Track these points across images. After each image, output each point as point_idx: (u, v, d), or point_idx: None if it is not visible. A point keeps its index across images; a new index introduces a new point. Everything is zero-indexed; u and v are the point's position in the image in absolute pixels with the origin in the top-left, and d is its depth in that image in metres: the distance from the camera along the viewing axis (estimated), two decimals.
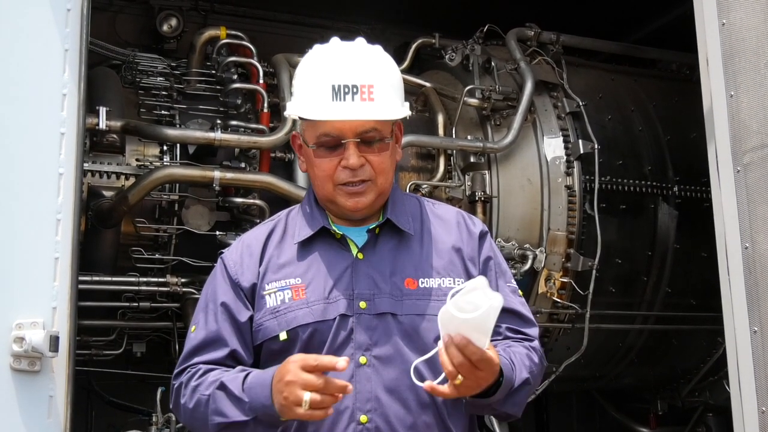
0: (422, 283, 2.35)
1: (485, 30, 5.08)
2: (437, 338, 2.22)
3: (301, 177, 4.32)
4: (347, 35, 6.13)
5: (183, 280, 4.19)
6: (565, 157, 4.70)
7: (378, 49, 2.42)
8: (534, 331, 2.43)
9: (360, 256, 2.37)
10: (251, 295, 2.38)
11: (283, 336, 2.31)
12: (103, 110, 3.99)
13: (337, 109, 2.28)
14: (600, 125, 4.88)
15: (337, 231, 2.39)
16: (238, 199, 4.22)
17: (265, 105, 4.38)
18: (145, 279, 4.16)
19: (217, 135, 4.09)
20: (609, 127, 4.97)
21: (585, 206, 4.68)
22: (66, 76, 2.82)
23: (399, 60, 5.14)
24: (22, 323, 2.65)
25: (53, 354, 2.62)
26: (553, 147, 4.72)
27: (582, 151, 4.68)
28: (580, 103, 4.82)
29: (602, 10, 5.45)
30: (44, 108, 2.78)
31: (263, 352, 2.36)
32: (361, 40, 2.42)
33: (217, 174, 4.05)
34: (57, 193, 2.76)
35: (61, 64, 2.82)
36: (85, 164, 4.08)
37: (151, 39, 5.41)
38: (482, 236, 2.48)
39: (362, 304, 2.31)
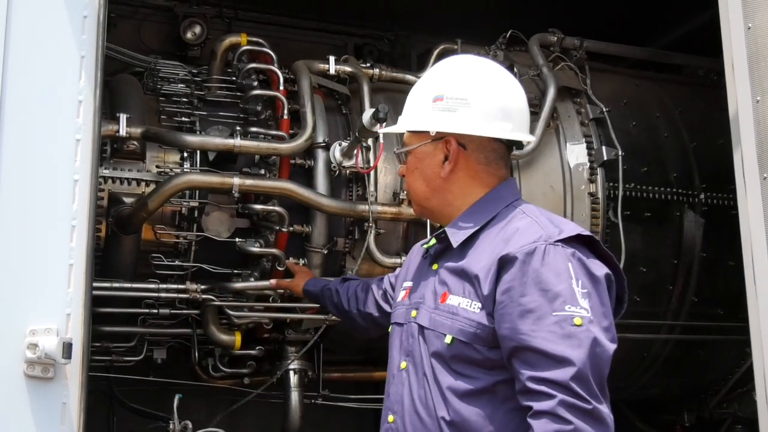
0: (450, 299, 2.38)
1: (508, 36, 5.06)
2: (434, 354, 2.36)
3: (320, 184, 4.30)
4: (371, 42, 6.23)
5: (202, 286, 4.19)
6: (588, 164, 4.66)
7: (434, 66, 2.59)
8: (560, 374, 2.14)
9: (435, 266, 2.50)
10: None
11: (390, 329, 2.65)
12: (123, 117, 4.01)
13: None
14: (624, 131, 4.83)
15: (427, 245, 2.62)
16: (258, 206, 4.21)
17: (285, 112, 4.37)
18: (164, 285, 4.16)
19: (237, 141, 4.09)
20: (633, 133, 4.90)
21: (609, 213, 4.63)
22: (82, 82, 2.81)
23: (421, 67, 5.13)
24: (36, 329, 2.64)
25: (66, 361, 2.61)
26: (576, 153, 4.68)
27: (606, 158, 4.64)
28: (604, 109, 4.77)
29: (627, 17, 5.40)
30: (60, 114, 2.78)
31: None
32: (455, 58, 2.64)
33: (236, 181, 4.04)
34: (72, 199, 2.75)
35: (78, 71, 2.81)
36: (106, 171, 4.13)
37: (176, 46, 5.45)
38: (507, 261, 2.27)
39: (413, 313, 2.48)
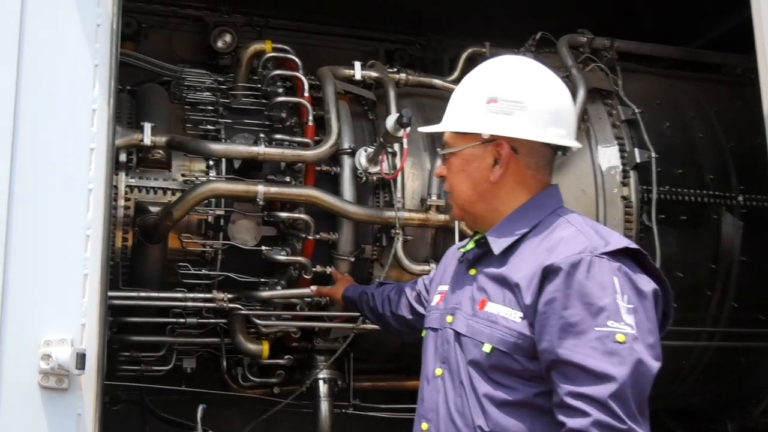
0: (489, 307, 2.31)
1: (538, 37, 4.98)
2: (471, 362, 2.29)
3: (346, 191, 4.27)
4: (402, 48, 6.18)
5: (229, 295, 4.17)
6: (620, 167, 4.57)
7: (478, 67, 2.52)
8: (599, 390, 2.07)
9: (472, 272, 2.45)
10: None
11: (423, 333, 2.63)
12: (147, 126, 4.02)
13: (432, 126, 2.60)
14: (658, 133, 4.72)
15: (464, 248, 2.57)
16: (283, 214, 4.18)
17: (310, 118, 4.34)
18: (191, 294, 4.15)
19: (261, 149, 4.07)
20: (667, 134, 4.79)
21: (643, 217, 4.53)
22: (96, 91, 2.80)
23: (449, 70, 5.07)
24: (51, 340, 2.63)
25: (80, 372, 2.59)
26: (608, 156, 4.59)
27: (638, 160, 4.54)
28: (636, 111, 4.68)
29: (664, 17, 5.29)
30: (74, 123, 2.77)
31: None
32: (507, 57, 2.58)
33: (261, 188, 4.02)
34: (86, 208, 2.73)
35: (91, 80, 2.80)
36: (132, 180, 4.14)
37: (207, 55, 5.47)
38: (552, 271, 2.20)
39: (449, 318, 2.43)
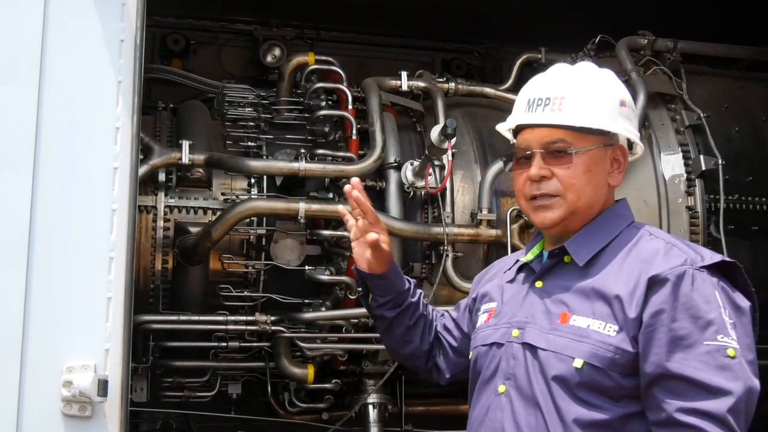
0: (574, 320, 2.25)
1: (597, 41, 4.88)
2: (556, 378, 2.21)
3: (393, 206, 4.21)
4: (459, 57, 6.12)
5: (272, 318, 4.14)
6: (685, 175, 4.47)
7: (589, 67, 2.48)
8: (716, 405, 2.04)
9: (539, 284, 2.38)
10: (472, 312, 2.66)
11: (471, 354, 2.51)
12: (185, 144, 4.03)
13: (525, 119, 2.41)
14: (725, 138, 4.59)
15: (527, 259, 2.48)
16: (326, 232, 4.16)
17: (354, 131, 4.30)
18: (233, 318, 4.13)
19: (302, 165, 4.05)
20: (736, 139, 4.65)
21: (710, 229, 4.42)
22: (119, 108, 2.79)
23: (505, 78, 4.99)
24: (73, 366, 2.61)
25: (102, 399, 2.58)
26: (672, 164, 4.48)
27: (704, 168, 4.43)
28: (702, 115, 4.56)
29: (731, 17, 5.13)
30: (96, 142, 2.76)
31: None
32: (583, 63, 2.52)
33: (302, 206, 4.00)
34: (110, 230, 2.72)
35: (115, 97, 2.79)
36: (171, 200, 4.16)
37: (257, 70, 5.50)
38: (657, 282, 2.17)
39: (515, 332, 2.34)
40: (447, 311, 2.85)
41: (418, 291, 2.79)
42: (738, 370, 2.07)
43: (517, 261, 2.53)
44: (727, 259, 2.25)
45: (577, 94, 2.36)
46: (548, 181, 2.34)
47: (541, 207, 2.36)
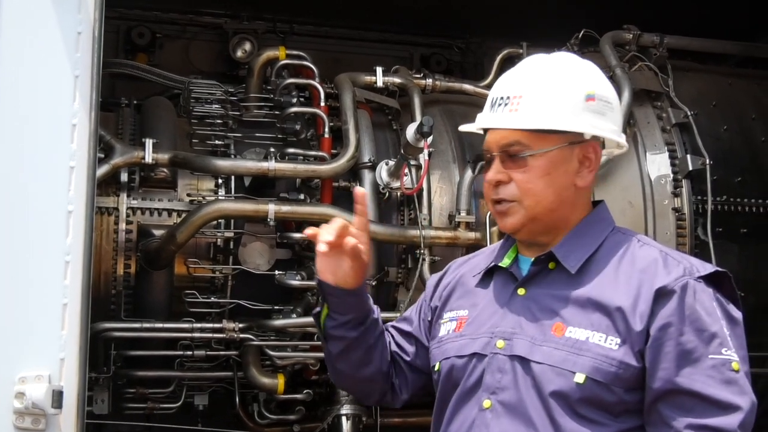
0: (570, 332, 2.21)
1: (581, 35, 4.89)
2: (554, 394, 2.17)
3: (371, 207, 4.20)
4: (439, 52, 6.11)
5: (241, 325, 4.12)
6: (671, 176, 4.49)
7: (557, 59, 2.41)
8: (727, 421, 2.07)
9: (521, 291, 2.33)
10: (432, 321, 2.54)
11: (436, 366, 2.41)
12: (149, 142, 4.00)
13: (485, 120, 2.37)
14: (713, 137, 4.62)
15: (504, 263, 2.40)
16: (297, 235, 4.13)
17: (326, 130, 4.29)
18: (199, 325, 4.11)
19: (271, 165, 4.04)
20: (724, 138, 4.68)
21: (697, 231, 4.44)
22: (76, 104, 2.75)
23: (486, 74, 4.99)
24: (26, 377, 2.58)
25: (56, 411, 2.54)
26: (658, 164, 4.50)
27: (691, 168, 4.44)
28: (689, 113, 4.58)
29: (720, 12, 5.16)
30: (52, 140, 2.72)
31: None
32: (555, 55, 2.46)
33: (271, 207, 3.99)
34: (66, 232, 2.69)
35: (71, 92, 2.76)
36: (134, 201, 4.14)
37: (226, 66, 5.47)
38: (664, 294, 2.16)
39: (499, 344, 2.28)
40: (394, 325, 2.65)
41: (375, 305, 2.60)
42: (743, 384, 2.09)
43: (492, 264, 2.45)
44: (719, 268, 2.25)
45: (535, 92, 2.30)
46: (506, 185, 2.31)
47: (501, 212, 2.33)
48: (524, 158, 2.28)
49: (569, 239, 2.32)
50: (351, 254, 2.35)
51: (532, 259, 2.35)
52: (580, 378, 2.15)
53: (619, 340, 2.15)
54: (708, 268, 2.22)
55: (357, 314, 2.47)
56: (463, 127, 2.52)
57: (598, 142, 2.35)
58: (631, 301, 2.17)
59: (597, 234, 2.33)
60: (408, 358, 2.58)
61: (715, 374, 2.08)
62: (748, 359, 2.17)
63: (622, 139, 2.40)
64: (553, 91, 2.30)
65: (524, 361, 2.23)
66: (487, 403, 2.26)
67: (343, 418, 4.32)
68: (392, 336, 2.62)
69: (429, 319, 2.56)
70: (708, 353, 2.10)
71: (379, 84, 4.55)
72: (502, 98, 2.32)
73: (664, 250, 2.29)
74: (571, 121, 2.29)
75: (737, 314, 2.20)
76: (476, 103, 4.72)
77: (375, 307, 2.57)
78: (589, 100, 2.31)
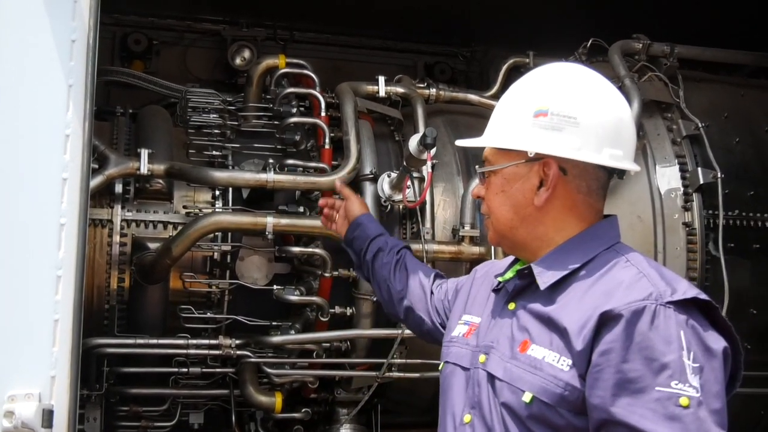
0: (532, 350, 2.21)
1: (589, 45, 4.89)
2: (504, 405, 2.21)
3: None
4: (444, 60, 6.11)
5: (237, 341, 4.11)
6: (682, 189, 4.48)
7: (529, 74, 2.40)
8: None
9: (511, 306, 2.35)
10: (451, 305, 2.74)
11: (440, 366, 2.52)
12: (144, 153, 3.99)
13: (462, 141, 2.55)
14: (725, 149, 4.61)
15: (505, 277, 2.44)
16: (296, 249, 4.13)
17: (327, 140, 4.28)
18: (195, 341, 4.10)
19: (270, 176, 4.03)
20: (737, 151, 4.68)
21: (708, 246, 4.42)
22: (69, 114, 2.75)
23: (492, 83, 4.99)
24: (15, 395, 2.57)
25: (47, 430, 2.53)
26: (668, 177, 4.50)
27: (702, 181, 4.44)
28: (700, 125, 4.57)
29: (732, 22, 5.16)
30: (44, 150, 2.72)
31: None
32: (543, 67, 2.43)
33: (270, 220, 3.98)
34: (58, 246, 2.68)
35: (65, 101, 2.76)
36: (128, 213, 4.13)
37: (225, 74, 5.47)
38: (611, 318, 2.09)
39: (481, 358, 2.33)
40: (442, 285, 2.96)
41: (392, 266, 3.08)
42: (689, 422, 1.97)
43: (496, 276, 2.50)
44: (701, 296, 2.14)
45: (497, 109, 2.40)
46: (483, 201, 2.44)
47: (486, 226, 2.46)
48: (485, 175, 2.40)
49: (551, 256, 2.31)
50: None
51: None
52: (527, 397, 2.16)
53: (570, 362, 2.13)
54: (687, 293, 2.12)
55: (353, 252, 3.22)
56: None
57: (554, 161, 2.29)
58: (580, 323, 2.12)
59: (585, 252, 2.29)
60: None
61: (658, 408, 1.99)
62: (723, 395, 2.04)
63: (587, 156, 2.27)
64: (503, 108, 2.37)
65: (491, 377, 2.26)
66: (467, 418, 2.31)
67: None
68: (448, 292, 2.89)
69: (450, 298, 2.80)
70: (655, 384, 2.01)
71: (382, 93, 4.55)
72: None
73: (645, 271, 2.19)
74: (514, 138, 2.30)
75: (717, 345, 2.08)
76: (481, 114, 4.72)
77: (373, 250, 3.12)
78: (540, 115, 2.28)
